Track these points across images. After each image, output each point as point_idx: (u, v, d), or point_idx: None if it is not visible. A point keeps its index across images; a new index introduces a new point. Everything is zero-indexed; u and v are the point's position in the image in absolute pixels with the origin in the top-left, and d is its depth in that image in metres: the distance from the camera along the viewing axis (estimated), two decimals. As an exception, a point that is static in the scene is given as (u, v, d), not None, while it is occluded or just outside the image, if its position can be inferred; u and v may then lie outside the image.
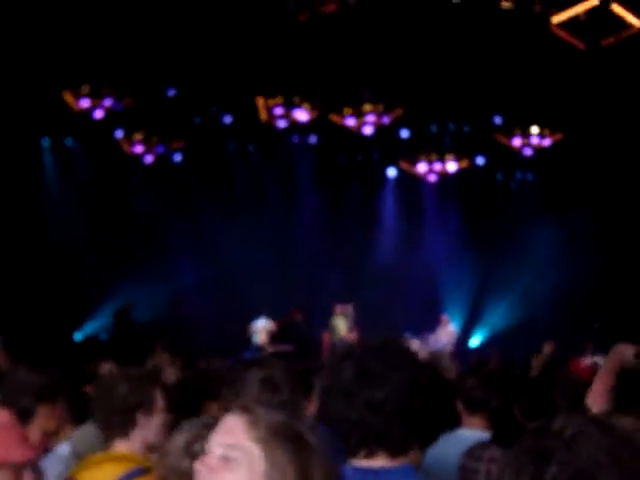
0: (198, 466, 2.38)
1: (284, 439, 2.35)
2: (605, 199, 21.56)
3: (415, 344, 20.89)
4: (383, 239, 24.31)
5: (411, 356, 2.95)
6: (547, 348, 10.42)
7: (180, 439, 3.09)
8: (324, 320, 20.93)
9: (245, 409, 2.44)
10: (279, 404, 3.66)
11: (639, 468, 1.99)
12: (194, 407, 5.56)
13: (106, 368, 8.90)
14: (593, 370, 12.64)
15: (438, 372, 8.69)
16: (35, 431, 4.49)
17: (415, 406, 2.76)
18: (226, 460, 2.34)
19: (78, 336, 21.82)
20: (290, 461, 2.32)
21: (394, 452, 2.74)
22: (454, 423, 5.56)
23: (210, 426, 2.90)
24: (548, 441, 2.04)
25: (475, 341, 24.04)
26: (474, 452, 4.34)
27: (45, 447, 4.72)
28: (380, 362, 2.76)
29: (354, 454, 2.73)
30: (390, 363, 2.77)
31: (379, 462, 2.72)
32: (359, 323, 20.83)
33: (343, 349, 3.06)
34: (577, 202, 21.77)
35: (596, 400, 4.79)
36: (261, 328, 20.71)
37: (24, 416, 4.41)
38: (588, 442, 2.00)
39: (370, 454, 2.72)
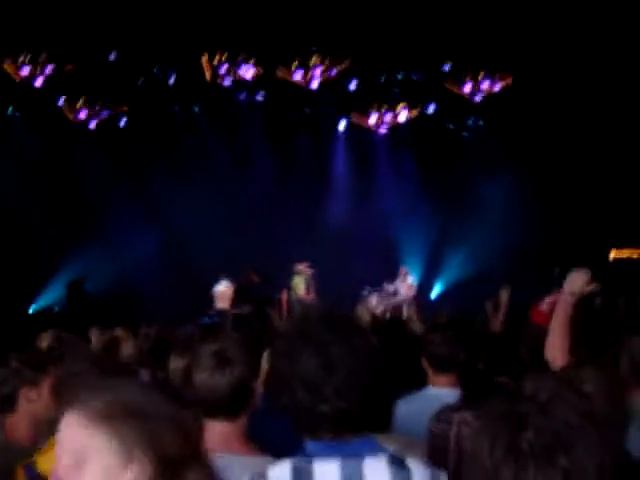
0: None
1: (123, 420, 2.28)
2: (556, 146, 21.50)
3: (374, 298, 20.91)
4: (337, 194, 24.16)
5: (362, 327, 2.90)
6: (504, 294, 10.30)
7: None
8: (281, 280, 20.87)
9: (77, 406, 2.34)
10: (234, 379, 3.59)
11: (612, 430, 2.05)
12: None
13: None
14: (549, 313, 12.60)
15: (405, 326, 8.59)
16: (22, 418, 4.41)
17: (382, 384, 2.73)
18: (76, 464, 2.25)
19: (31, 309, 21.63)
20: (136, 441, 2.25)
21: (360, 429, 2.70)
22: (420, 380, 5.45)
23: None
24: (522, 405, 2.04)
25: (434, 293, 24.05)
26: (443, 415, 4.22)
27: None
28: (341, 345, 2.66)
29: (320, 437, 2.67)
30: (349, 345, 2.68)
31: (343, 437, 2.67)
32: (317, 281, 20.80)
33: (291, 326, 2.91)
34: (529, 149, 21.73)
35: (556, 355, 4.71)
36: (219, 294, 20.50)
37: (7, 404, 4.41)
38: (563, 406, 2.02)
39: (336, 435, 2.66)
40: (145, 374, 8.04)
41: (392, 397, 2.70)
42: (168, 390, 4.89)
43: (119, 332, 9.10)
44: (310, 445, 2.67)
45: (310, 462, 2.62)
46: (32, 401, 4.53)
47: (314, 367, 2.62)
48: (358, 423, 2.66)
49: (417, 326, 10.57)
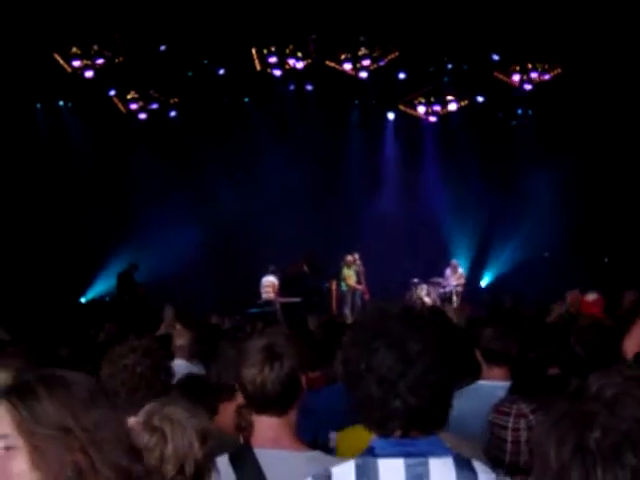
0: None
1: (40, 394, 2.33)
2: (605, 135, 21.30)
3: (423, 289, 20.91)
4: (386, 184, 24.11)
5: (438, 323, 2.83)
6: (572, 295, 10.14)
7: (140, 417, 3.02)
8: (330, 270, 20.90)
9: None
10: (283, 374, 3.58)
11: None
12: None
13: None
14: (599, 304, 12.48)
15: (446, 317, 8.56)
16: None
17: (451, 382, 2.71)
18: (7, 450, 2.30)
19: (84, 300, 21.82)
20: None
21: (429, 428, 2.66)
22: (472, 372, 5.49)
23: (166, 404, 3.03)
24: (588, 405, 2.00)
25: (484, 282, 23.97)
26: (502, 407, 4.24)
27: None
28: (418, 341, 2.62)
29: (390, 434, 2.63)
30: (427, 341, 2.64)
31: (411, 436, 2.63)
32: (366, 272, 20.82)
33: (367, 319, 2.81)
34: (578, 138, 21.56)
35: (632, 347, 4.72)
36: (268, 284, 20.67)
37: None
38: (630, 403, 1.96)
39: (405, 433, 2.62)
40: (196, 366, 8.08)
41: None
42: (218, 383, 4.91)
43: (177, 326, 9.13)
44: (377, 442, 2.64)
45: (375, 460, 2.59)
46: None
47: (391, 362, 2.59)
48: (427, 421, 2.63)
49: (462, 317, 10.52)
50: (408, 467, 2.56)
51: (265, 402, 3.56)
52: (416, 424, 2.61)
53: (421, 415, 2.60)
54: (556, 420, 2.01)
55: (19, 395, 2.34)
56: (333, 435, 4.94)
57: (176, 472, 2.87)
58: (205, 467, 2.95)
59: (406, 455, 2.57)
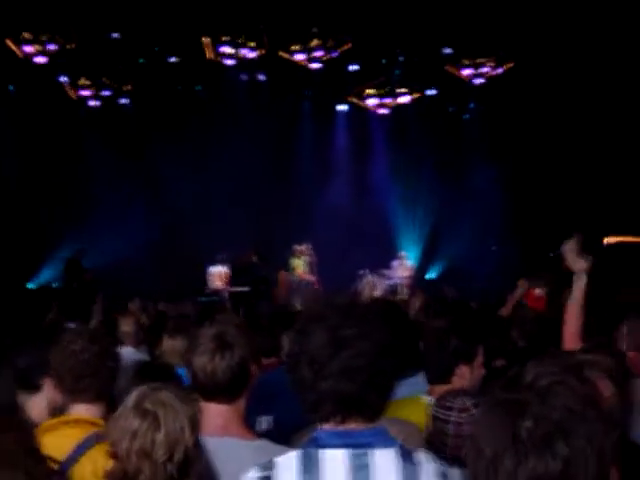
0: None
1: None
2: (554, 132, 21.47)
3: (371, 280, 21.00)
4: (336, 175, 24.15)
5: (380, 317, 2.91)
6: (521, 285, 10.15)
7: (130, 400, 3.02)
8: (279, 260, 20.95)
9: None
10: (234, 363, 3.63)
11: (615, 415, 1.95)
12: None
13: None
14: (543, 301, 12.66)
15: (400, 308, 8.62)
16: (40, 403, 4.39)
17: (388, 369, 2.71)
18: None
19: (31, 285, 21.67)
20: None
21: (369, 417, 2.67)
22: (415, 363, 5.44)
23: (156, 388, 3.03)
24: (521, 394, 1.99)
25: (432, 275, 24.13)
26: (444, 401, 4.26)
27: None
28: (352, 327, 2.66)
29: (326, 420, 2.65)
30: (362, 327, 2.67)
31: (353, 425, 2.65)
32: (316, 263, 20.89)
33: (311, 311, 2.87)
34: (528, 134, 21.74)
35: (572, 342, 4.78)
36: (216, 273, 20.71)
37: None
38: (563, 392, 1.96)
39: (343, 420, 2.64)
40: (143, 351, 8.12)
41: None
42: (164, 369, 4.96)
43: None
44: (320, 433, 2.66)
45: (317, 450, 2.61)
46: None
47: (322, 344, 2.63)
48: (363, 407, 2.64)
49: (413, 309, 10.61)
50: (351, 457, 2.58)
51: (215, 390, 3.60)
52: (351, 410, 2.63)
53: (354, 401, 2.62)
54: (489, 408, 2.03)
55: None
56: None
57: (167, 458, 2.89)
58: (195, 455, 2.97)
59: (349, 446, 2.59)
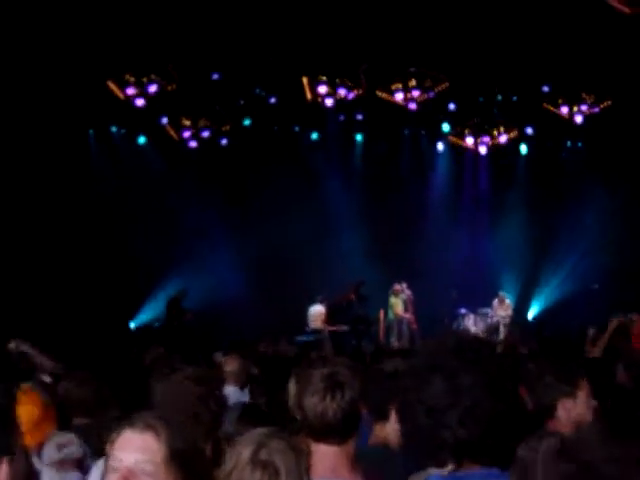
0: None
1: (181, 460, 2.61)
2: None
3: (470, 319, 20.86)
4: (434, 213, 24.02)
5: (490, 355, 2.82)
6: (614, 322, 9.89)
7: (245, 451, 2.96)
8: (378, 300, 20.92)
9: (152, 426, 2.63)
10: (345, 404, 3.58)
11: None
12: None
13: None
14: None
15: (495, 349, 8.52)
16: None
17: (507, 415, 2.65)
18: (142, 475, 2.50)
19: (133, 324, 21.92)
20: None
21: (487, 463, 2.64)
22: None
23: (270, 436, 2.97)
24: None
25: (531, 314, 23.82)
26: (531, 442, 4.19)
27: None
28: (469, 373, 2.62)
29: (442, 465, 2.62)
30: (479, 373, 2.63)
31: (467, 468, 2.62)
32: (414, 302, 20.82)
33: (423, 352, 2.86)
34: (628, 171, 21.46)
35: None
36: (316, 313, 20.73)
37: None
38: None
39: (460, 465, 2.61)
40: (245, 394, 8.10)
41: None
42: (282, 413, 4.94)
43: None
44: (433, 477, 2.66)
45: None
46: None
47: (440, 393, 2.59)
48: (481, 454, 2.61)
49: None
50: None
51: (325, 431, 3.56)
52: (469, 456, 2.60)
53: (472, 447, 2.58)
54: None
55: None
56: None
57: None
58: None
59: None
